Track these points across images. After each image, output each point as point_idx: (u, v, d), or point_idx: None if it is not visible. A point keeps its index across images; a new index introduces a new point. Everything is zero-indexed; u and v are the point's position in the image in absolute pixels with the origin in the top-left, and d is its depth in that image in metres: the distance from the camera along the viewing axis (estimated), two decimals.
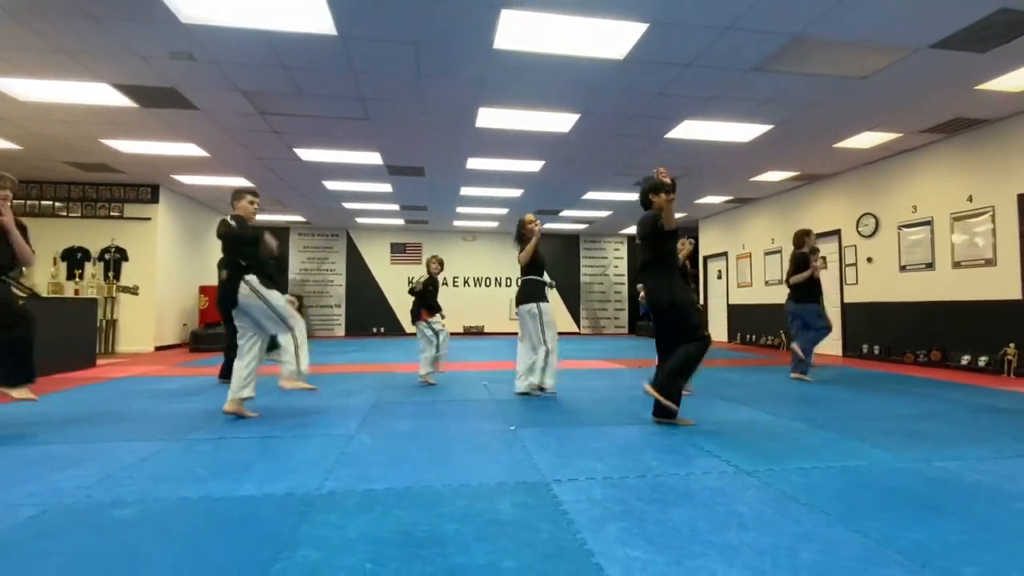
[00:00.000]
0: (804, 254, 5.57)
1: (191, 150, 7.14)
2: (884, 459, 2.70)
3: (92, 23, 3.99)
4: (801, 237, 5.65)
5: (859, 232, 8.06)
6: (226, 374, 5.03)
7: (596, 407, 4.12)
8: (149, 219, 9.12)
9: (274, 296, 3.59)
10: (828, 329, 5.57)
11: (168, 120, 6.02)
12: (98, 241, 8.98)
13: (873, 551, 1.69)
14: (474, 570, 1.56)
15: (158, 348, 9.22)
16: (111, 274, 8.92)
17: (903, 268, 7.31)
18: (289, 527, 1.85)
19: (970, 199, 6.42)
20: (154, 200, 9.15)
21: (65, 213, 8.94)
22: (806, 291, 5.52)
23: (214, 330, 9.50)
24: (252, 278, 3.54)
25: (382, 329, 13.82)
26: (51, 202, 8.90)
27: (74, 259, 8.90)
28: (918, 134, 6.55)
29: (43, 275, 8.73)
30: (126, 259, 9.05)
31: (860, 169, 8.08)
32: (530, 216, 4.72)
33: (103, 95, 5.29)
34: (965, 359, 6.36)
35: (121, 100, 5.41)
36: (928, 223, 6.94)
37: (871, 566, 1.59)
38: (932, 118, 6.00)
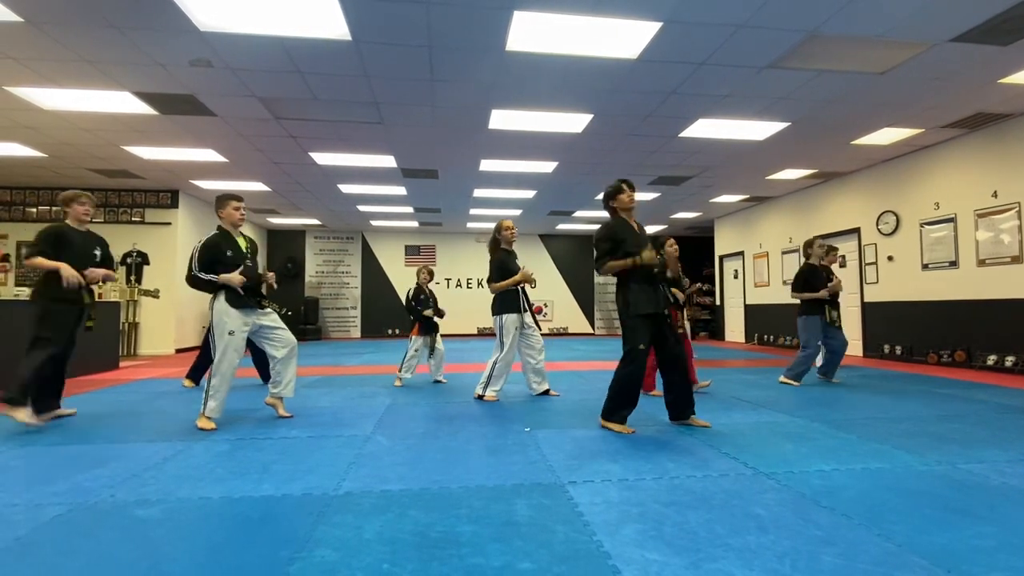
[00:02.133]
0: (808, 268, 5.28)
1: (209, 156, 7.26)
2: (907, 461, 2.65)
3: (114, 33, 4.08)
4: (806, 249, 5.37)
5: (879, 230, 7.92)
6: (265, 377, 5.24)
7: None
8: (169, 224, 9.30)
9: (221, 325, 3.42)
10: (813, 349, 5.23)
11: (187, 126, 6.13)
12: (120, 246, 9.17)
13: (896, 555, 1.66)
14: (490, 571, 1.56)
15: (179, 350, 9.39)
16: (133, 278, 9.11)
17: (925, 266, 7.16)
18: (307, 527, 1.87)
19: (995, 195, 6.27)
20: (174, 205, 9.33)
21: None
22: (809, 302, 5.23)
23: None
24: (220, 297, 3.44)
25: (397, 331, 13.91)
26: None
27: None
28: (939, 129, 6.42)
29: None
30: (147, 263, 9.24)
31: (880, 166, 7.94)
32: (509, 223, 4.58)
33: (125, 103, 5.41)
34: (991, 359, 6.21)
35: (142, 108, 5.53)
36: (951, 220, 6.79)
37: (894, 570, 1.56)
38: (954, 113, 5.88)
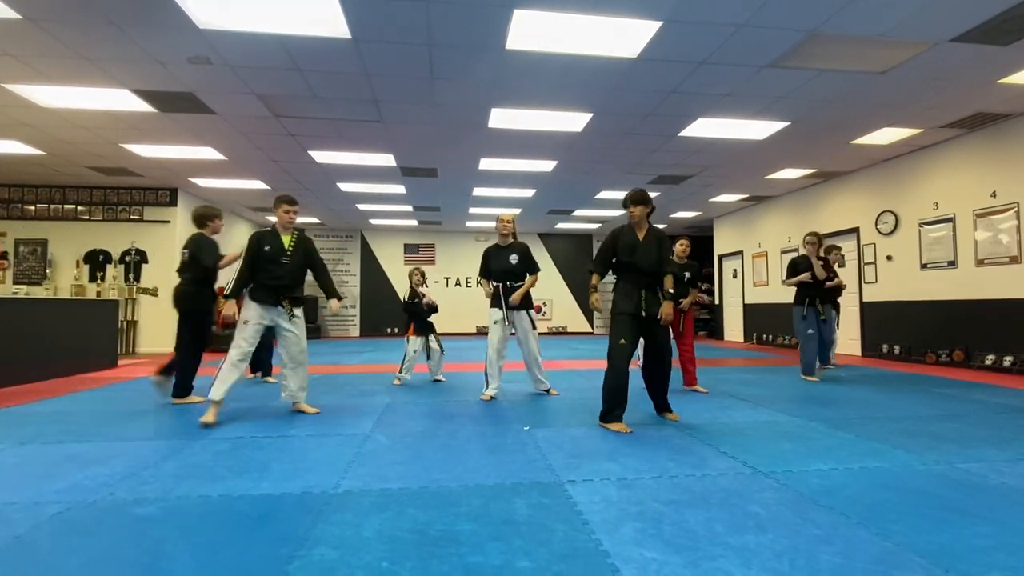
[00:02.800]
0: (798, 256, 5.65)
1: (208, 153, 7.25)
2: (905, 460, 2.66)
3: (113, 30, 4.07)
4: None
5: (878, 230, 7.93)
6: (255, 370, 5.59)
7: None
8: (168, 222, 9.28)
9: (243, 314, 3.69)
10: (806, 337, 5.46)
11: (186, 124, 6.12)
12: (119, 244, 9.16)
13: (894, 554, 1.66)
14: (489, 570, 1.57)
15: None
16: (131, 276, 9.10)
17: (924, 266, 7.17)
18: (306, 526, 1.88)
19: (994, 195, 6.28)
20: (172, 203, 9.31)
21: (87, 217, 9.13)
22: (797, 293, 5.57)
23: (232, 331, 9.65)
24: (247, 289, 3.74)
25: (396, 329, 13.90)
26: (74, 206, 9.10)
27: (96, 262, 9.09)
28: (939, 129, 6.42)
29: (66, 277, 8.95)
30: (146, 261, 9.22)
31: (879, 166, 7.94)
32: (502, 215, 4.65)
33: (123, 100, 5.39)
34: (989, 359, 6.22)
35: (141, 105, 5.51)
36: (950, 220, 6.80)
37: (892, 569, 1.57)
38: (953, 113, 5.88)
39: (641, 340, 3.64)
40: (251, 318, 3.65)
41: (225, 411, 3.82)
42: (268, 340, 5.30)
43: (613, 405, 3.40)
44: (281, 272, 3.70)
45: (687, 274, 4.93)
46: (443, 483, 2.34)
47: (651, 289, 3.55)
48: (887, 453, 2.79)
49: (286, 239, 3.80)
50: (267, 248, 3.69)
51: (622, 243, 3.62)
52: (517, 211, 11.38)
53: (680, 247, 5.00)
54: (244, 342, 3.63)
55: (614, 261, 3.67)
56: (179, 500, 2.14)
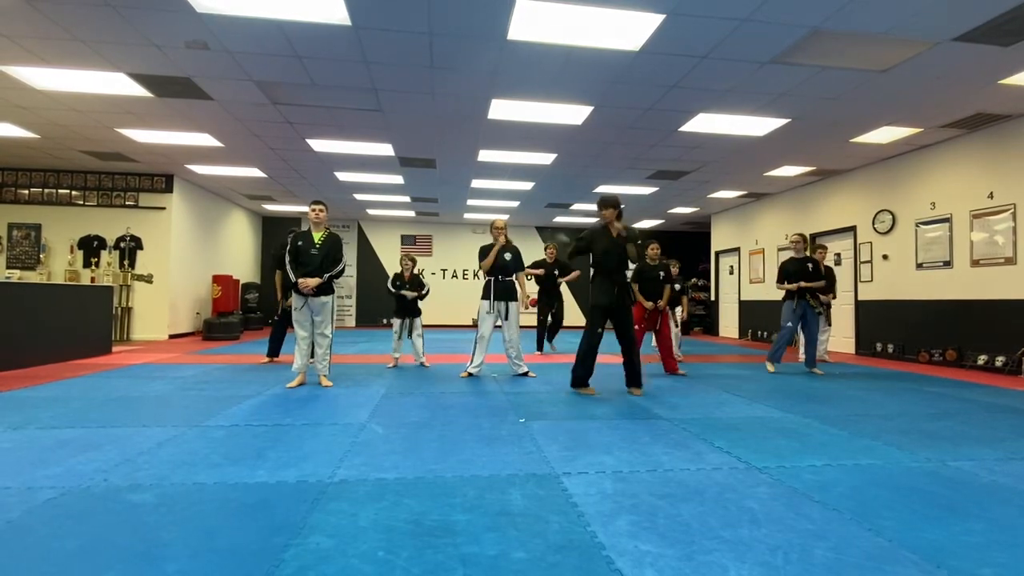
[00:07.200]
0: (785, 262, 6.08)
1: (205, 140, 7.18)
2: (898, 458, 2.68)
3: (110, 12, 4.01)
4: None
5: (875, 229, 7.95)
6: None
7: (605, 401, 4.11)
8: (164, 208, 9.21)
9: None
10: (785, 329, 5.92)
11: (183, 110, 6.05)
12: (114, 230, 9.09)
13: (887, 550, 1.67)
14: (485, 560, 1.57)
15: (172, 336, 9.34)
16: (126, 262, 9.03)
17: (920, 266, 7.20)
18: (301, 514, 1.88)
19: (991, 196, 6.30)
20: (168, 190, 9.23)
21: (82, 202, 9.05)
22: (787, 291, 6.01)
23: (227, 319, 9.64)
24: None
25: (391, 320, 13.86)
26: (68, 191, 9.02)
27: (90, 247, 9.02)
28: (938, 129, 6.42)
29: (60, 263, 8.88)
30: (141, 248, 9.15)
31: (877, 164, 7.95)
32: (495, 221, 5.32)
33: (119, 84, 5.33)
34: (982, 359, 6.26)
35: (137, 90, 5.45)
36: (947, 220, 6.82)
37: (885, 564, 1.58)
38: (953, 113, 5.88)
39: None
40: (296, 306, 4.54)
41: (224, 398, 3.81)
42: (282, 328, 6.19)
43: (582, 373, 4.32)
44: (310, 266, 4.46)
45: (661, 274, 5.56)
46: (439, 473, 2.34)
47: (623, 285, 4.21)
48: (880, 450, 2.81)
49: (317, 236, 4.59)
50: (300, 243, 4.52)
51: (598, 244, 4.23)
52: (515, 204, 11.34)
53: (651, 250, 5.70)
54: (296, 323, 4.59)
55: (591, 260, 4.33)
56: (174, 487, 2.13)
